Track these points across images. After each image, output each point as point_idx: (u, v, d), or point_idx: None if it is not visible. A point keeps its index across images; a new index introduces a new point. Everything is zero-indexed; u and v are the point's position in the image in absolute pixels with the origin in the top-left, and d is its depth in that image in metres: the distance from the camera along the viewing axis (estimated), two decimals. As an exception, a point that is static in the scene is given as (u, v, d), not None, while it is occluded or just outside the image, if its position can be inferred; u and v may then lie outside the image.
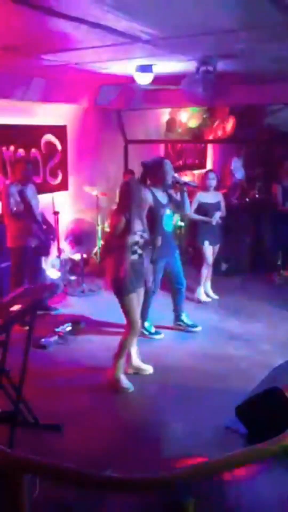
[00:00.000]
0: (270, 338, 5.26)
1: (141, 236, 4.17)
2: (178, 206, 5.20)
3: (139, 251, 4.18)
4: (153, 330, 5.36)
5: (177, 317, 5.54)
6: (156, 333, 5.37)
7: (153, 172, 5.04)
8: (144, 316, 5.07)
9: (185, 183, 5.21)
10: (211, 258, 6.42)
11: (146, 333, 5.30)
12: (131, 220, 4.07)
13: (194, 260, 6.96)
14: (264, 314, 5.95)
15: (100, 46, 4.21)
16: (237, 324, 5.68)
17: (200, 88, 5.19)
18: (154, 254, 4.64)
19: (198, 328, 5.50)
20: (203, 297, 6.41)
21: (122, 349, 4.24)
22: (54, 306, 5.93)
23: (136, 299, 4.24)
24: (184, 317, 5.54)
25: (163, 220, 5.04)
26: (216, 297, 6.49)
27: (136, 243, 4.14)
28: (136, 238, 4.13)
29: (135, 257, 4.15)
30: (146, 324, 5.31)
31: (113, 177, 8.09)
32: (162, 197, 5.07)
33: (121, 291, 4.14)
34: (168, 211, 5.11)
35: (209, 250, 6.35)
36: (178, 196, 5.16)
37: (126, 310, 4.19)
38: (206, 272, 6.43)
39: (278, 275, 7.30)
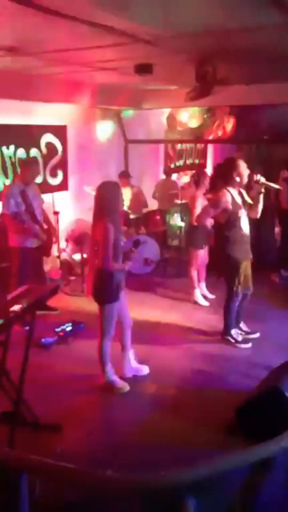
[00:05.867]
0: (270, 338, 5.25)
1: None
2: (250, 208, 4.98)
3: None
4: (240, 338, 5.15)
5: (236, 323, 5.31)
6: (244, 341, 5.13)
7: (228, 172, 4.86)
8: (236, 320, 5.11)
9: (264, 183, 4.92)
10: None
11: (232, 340, 5.11)
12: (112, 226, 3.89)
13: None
14: (264, 314, 5.93)
15: (100, 46, 4.21)
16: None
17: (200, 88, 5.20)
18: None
19: (256, 335, 5.26)
20: (202, 301, 6.34)
21: (101, 355, 4.19)
22: (54, 306, 5.93)
23: (116, 308, 4.13)
24: (242, 325, 5.34)
25: (241, 221, 4.87)
26: (213, 296, 6.44)
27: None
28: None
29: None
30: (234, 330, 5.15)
31: (113, 177, 8.09)
32: (238, 197, 4.89)
33: (104, 299, 4.07)
34: (244, 212, 4.92)
35: (203, 253, 6.33)
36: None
37: (104, 318, 4.11)
38: (196, 275, 6.39)
39: (278, 275, 7.28)
